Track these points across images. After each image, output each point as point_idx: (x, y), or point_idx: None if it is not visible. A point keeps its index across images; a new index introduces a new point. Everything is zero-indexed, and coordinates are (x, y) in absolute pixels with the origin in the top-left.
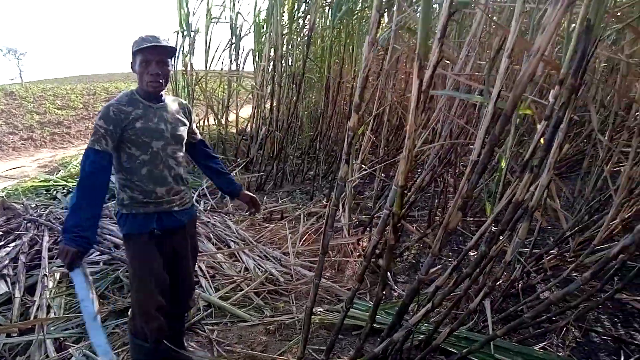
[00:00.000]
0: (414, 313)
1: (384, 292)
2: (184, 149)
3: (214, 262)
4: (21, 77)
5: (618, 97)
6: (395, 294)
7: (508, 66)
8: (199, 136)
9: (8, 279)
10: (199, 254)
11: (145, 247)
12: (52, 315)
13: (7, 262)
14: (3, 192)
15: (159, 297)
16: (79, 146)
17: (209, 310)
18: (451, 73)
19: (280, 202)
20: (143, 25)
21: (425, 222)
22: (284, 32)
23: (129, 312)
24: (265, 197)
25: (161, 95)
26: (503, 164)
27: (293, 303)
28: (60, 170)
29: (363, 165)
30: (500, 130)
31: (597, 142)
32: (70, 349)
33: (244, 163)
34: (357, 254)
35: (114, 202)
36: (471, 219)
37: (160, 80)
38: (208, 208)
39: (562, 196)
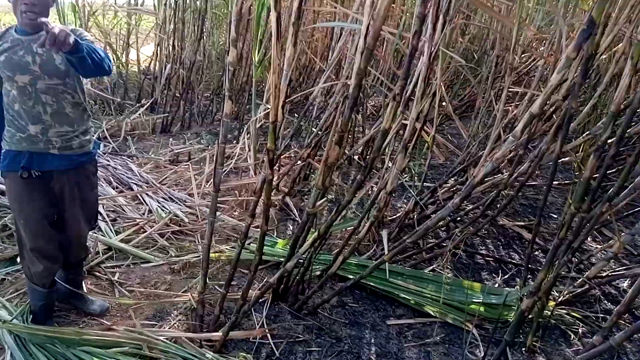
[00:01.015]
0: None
1: (268, 226)
2: (72, 83)
3: (114, 205)
4: None
5: (499, 41)
6: None
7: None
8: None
9: None
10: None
11: (20, 187)
12: None
13: None
14: None
15: (40, 240)
16: None
17: (109, 254)
18: (349, 11)
19: (188, 144)
20: None
21: None
22: None
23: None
24: (171, 139)
25: (40, 28)
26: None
27: (199, 242)
28: None
29: (267, 105)
30: (364, 64)
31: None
32: None
33: (149, 104)
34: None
35: None
36: None
37: (36, 11)
38: (109, 151)
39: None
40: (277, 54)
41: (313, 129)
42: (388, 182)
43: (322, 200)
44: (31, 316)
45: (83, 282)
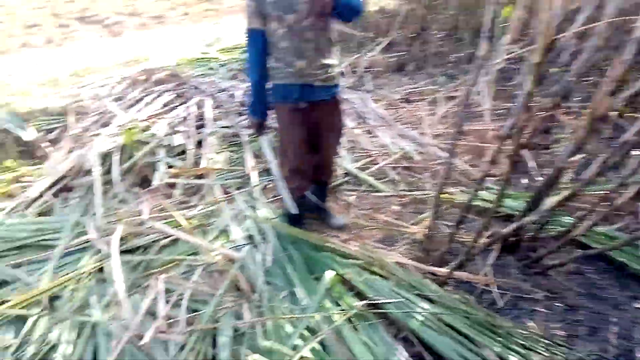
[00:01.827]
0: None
1: (510, 178)
2: (328, 22)
3: (352, 136)
4: None
5: None
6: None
7: None
8: None
9: (182, 134)
10: None
11: (288, 116)
12: (217, 166)
13: (179, 120)
14: (172, 61)
15: (298, 162)
16: (230, 21)
17: (347, 178)
18: None
19: (421, 84)
20: None
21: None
22: None
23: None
24: (405, 78)
25: None
26: None
27: (427, 180)
28: (214, 44)
29: (509, 47)
30: None
31: None
32: (233, 194)
33: (385, 43)
34: None
35: None
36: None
37: None
38: (347, 86)
39: None
40: None
41: (563, 76)
42: None
43: (579, 157)
44: (287, 219)
45: (327, 199)
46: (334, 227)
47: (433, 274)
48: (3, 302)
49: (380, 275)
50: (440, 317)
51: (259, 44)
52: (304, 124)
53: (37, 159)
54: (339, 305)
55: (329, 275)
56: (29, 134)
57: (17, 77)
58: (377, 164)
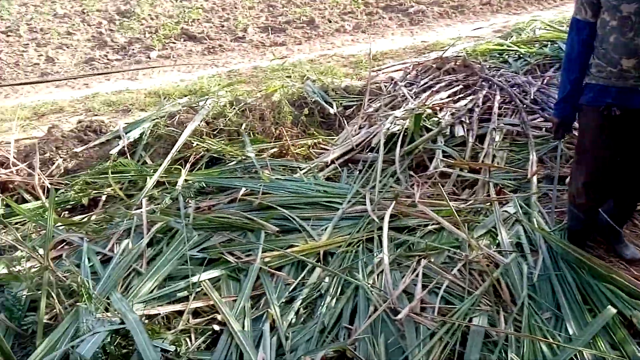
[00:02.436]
0: None
1: None
2: None
3: None
4: None
5: None
6: None
7: None
8: None
9: (464, 126)
10: None
11: (596, 122)
12: (495, 163)
13: (464, 112)
14: (465, 51)
15: (596, 175)
16: (532, 12)
17: None
18: None
19: None
20: None
21: None
22: None
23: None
24: None
25: None
26: None
27: None
28: (512, 36)
29: None
30: None
31: None
32: (508, 196)
33: None
34: None
35: None
36: None
37: None
38: None
39: None
40: None
41: None
42: None
43: None
44: (566, 235)
45: (625, 224)
46: (625, 258)
47: None
48: (291, 247)
49: None
50: None
51: (583, 37)
52: (614, 133)
53: (334, 130)
54: (616, 349)
55: (610, 312)
56: (332, 108)
57: (325, 57)
58: None
